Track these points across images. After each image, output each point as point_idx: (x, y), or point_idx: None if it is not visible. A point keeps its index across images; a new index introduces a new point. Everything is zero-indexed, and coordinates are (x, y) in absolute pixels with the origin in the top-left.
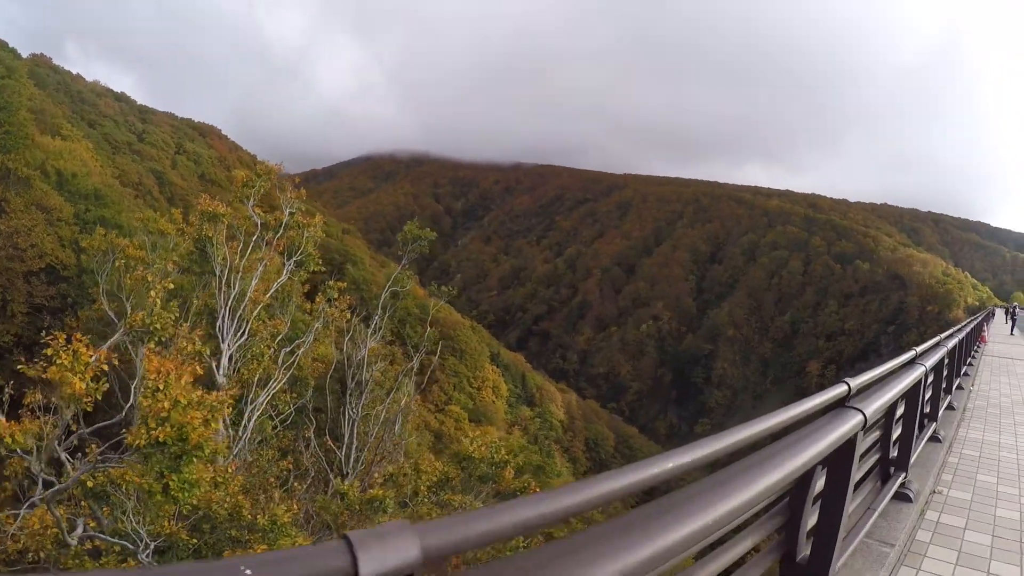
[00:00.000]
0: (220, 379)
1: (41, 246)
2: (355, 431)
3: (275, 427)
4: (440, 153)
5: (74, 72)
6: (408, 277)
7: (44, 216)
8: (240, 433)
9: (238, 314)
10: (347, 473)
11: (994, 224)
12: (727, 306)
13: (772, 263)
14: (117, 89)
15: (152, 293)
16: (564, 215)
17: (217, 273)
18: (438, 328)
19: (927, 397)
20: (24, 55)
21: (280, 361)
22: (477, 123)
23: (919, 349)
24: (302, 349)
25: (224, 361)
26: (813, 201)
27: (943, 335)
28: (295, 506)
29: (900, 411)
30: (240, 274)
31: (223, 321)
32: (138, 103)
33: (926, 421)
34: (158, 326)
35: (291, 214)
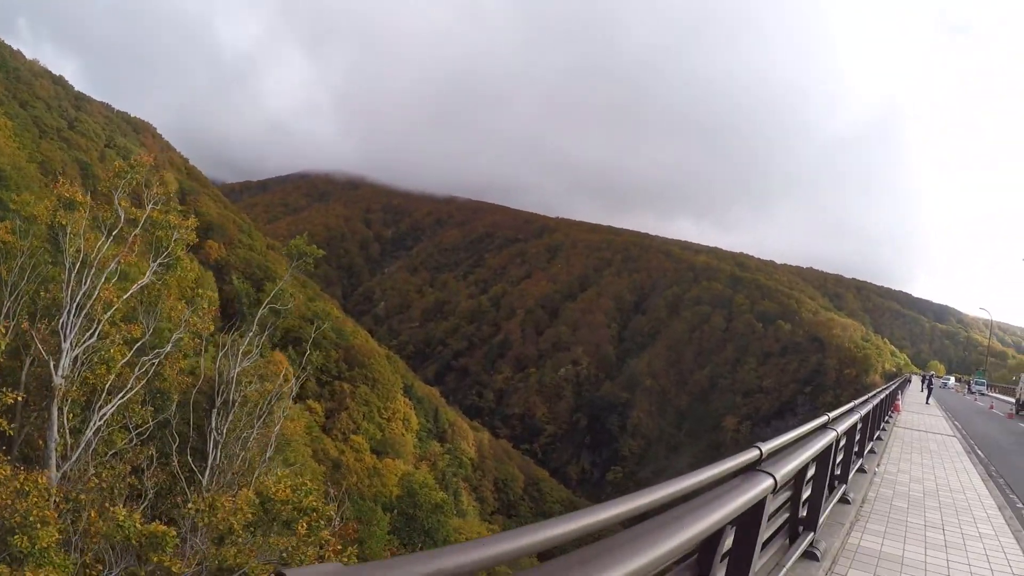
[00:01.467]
0: (57, 380)
1: None
2: (218, 453)
3: (130, 440)
4: (376, 179)
5: (16, 48)
6: (290, 295)
7: None
8: (78, 441)
9: (84, 312)
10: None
11: (915, 294)
12: (647, 356)
13: (695, 317)
14: (60, 72)
15: None
16: (493, 252)
17: (67, 265)
18: (352, 355)
19: (838, 460)
20: None
21: (139, 370)
22: (416, 152)
23: (832, 415)
24: (158, 359)
25: (64, 361)
26: (741, 260)
27: (857, 401)
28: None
29: (811, 473)
30: (93, 270)
31: (67, 317)
32: (76, 89)
33: (836, 483)
34: None
35: (153, 207)
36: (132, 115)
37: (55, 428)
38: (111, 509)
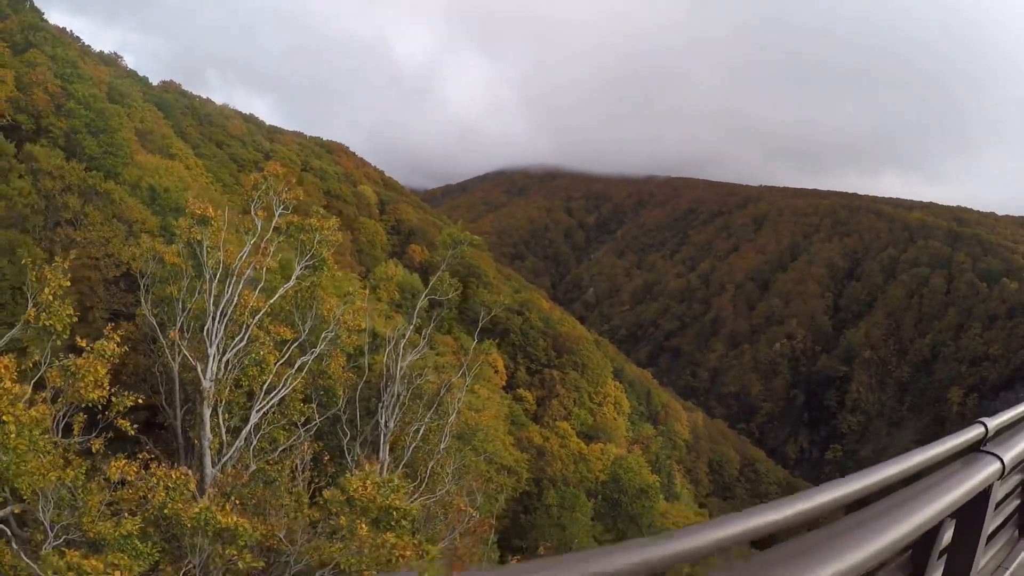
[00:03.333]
0: (205, 383)
1: (118, 256)
2: (386, 447)
3: (297, 437)
4: (572, 167)
5: (209, 97)
6: (451, 286)
7: (125, 228)
8: (233, 440)
9: (227, 317)
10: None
11: None
12: (864, 326)
13: (912, 281)
14: (251, 111)
15: (47, 290)
16: (698, 229)
17: (207, 277)
18: (560, 342)
19: None
20: (156, 83)
21: (297, 368)
22: (608, 137)
23: None
24: (311, 356)
25: (211, 366)
26: (958, 214)
27: None
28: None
29: None
30: (235, 278)
31: (212, 324)
32: (267, 124)
33: None
34: (58, 326)
35: (281, 214)
36: (325, 139)
37: (207, 428)
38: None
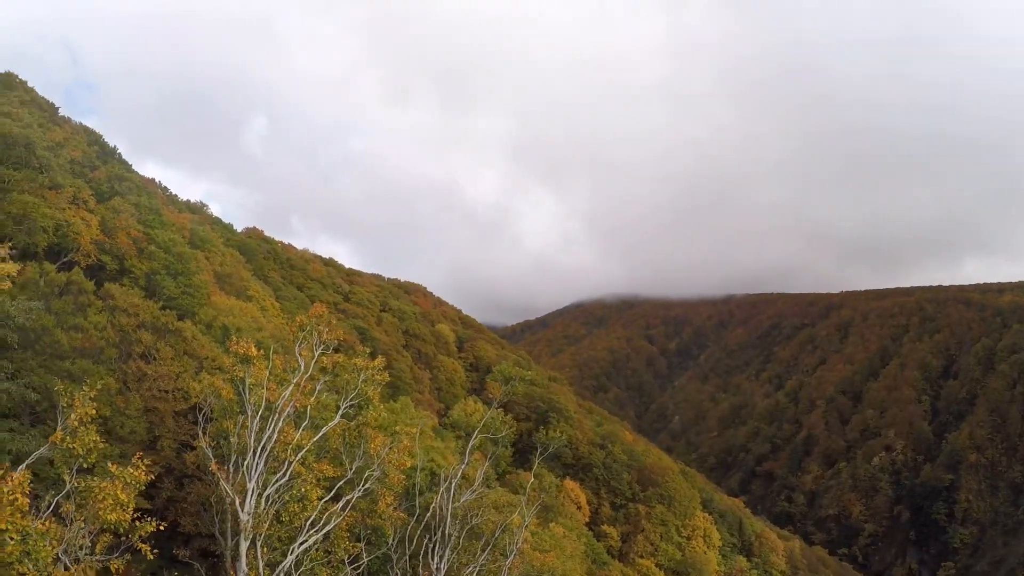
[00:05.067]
0: (244, 517)
1: (186, 389)
2: None
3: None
4: (649, 294)
5: (291, 242)
6: (503, 422)
7: (196, 364)
8: (270, 573)
9: (267, 453)
10: None
11: None
12: (967, 427)
13: (1013, 369)
14: (335, 255)
15: (72, 416)
16: (782, 344)
17: (249, 413)
18: (645, 475)
19: None
20: (240, 230)
21: (342, 505)
22: (681, 260)
23: None
24: (356, 494)
25: (250, 500)
26: None
27: None
28: None
29: None
30: (278, 415)
31: (252, 459)
32: (346, 267)
33: None
34: (80, 450)
35: (321, 354)
36: (402, 280)
37: (243, 560)
38: None
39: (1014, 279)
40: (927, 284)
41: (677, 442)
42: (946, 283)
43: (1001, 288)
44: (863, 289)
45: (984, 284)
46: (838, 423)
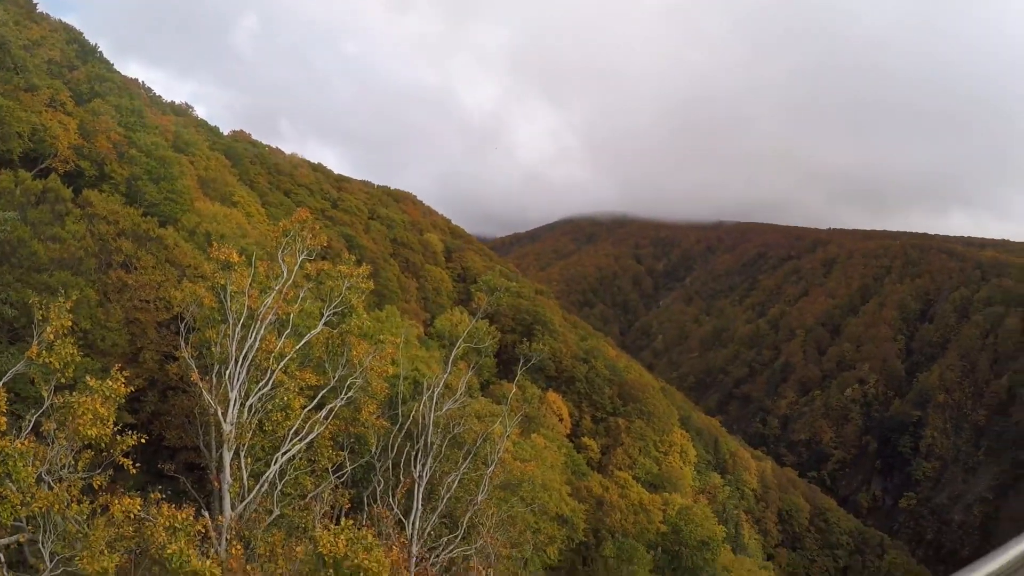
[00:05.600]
0: (226, 427)
1: (169, 299)
2: (419, 496)
3: (330, 484)
4: (640, 214)
5: (279, 147)
6: (487, 332)
7: (178, 272)
8: (255, 484)
9: (249, 362)
10: (411, 539)
11: None
12: (938, 369)
13: (987, 321)
14: (324, 161)
15: (48, 329)
16: (767, 273)
17: (230, 321)
18: (627, 390)
19: None
20: (227, 133)
21: (325, 414)
22: (674, 183)
23: None
24: (339, 402)
25: (232, 410)
26: None
27: None
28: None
29: None
30: (260, 323)
31: (234, 368)
32: (335, 173)
33: None
34: (57, 364)
35: (305, 260)
36: (392, 187)
37: (227, 471)
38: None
39: (997, 236)
40: (913, 231)
41: (659, 360)
42: (932, 232)
43: (983, 243)
44: (851, 228)
45: (968, 237)
46: (815, 353)
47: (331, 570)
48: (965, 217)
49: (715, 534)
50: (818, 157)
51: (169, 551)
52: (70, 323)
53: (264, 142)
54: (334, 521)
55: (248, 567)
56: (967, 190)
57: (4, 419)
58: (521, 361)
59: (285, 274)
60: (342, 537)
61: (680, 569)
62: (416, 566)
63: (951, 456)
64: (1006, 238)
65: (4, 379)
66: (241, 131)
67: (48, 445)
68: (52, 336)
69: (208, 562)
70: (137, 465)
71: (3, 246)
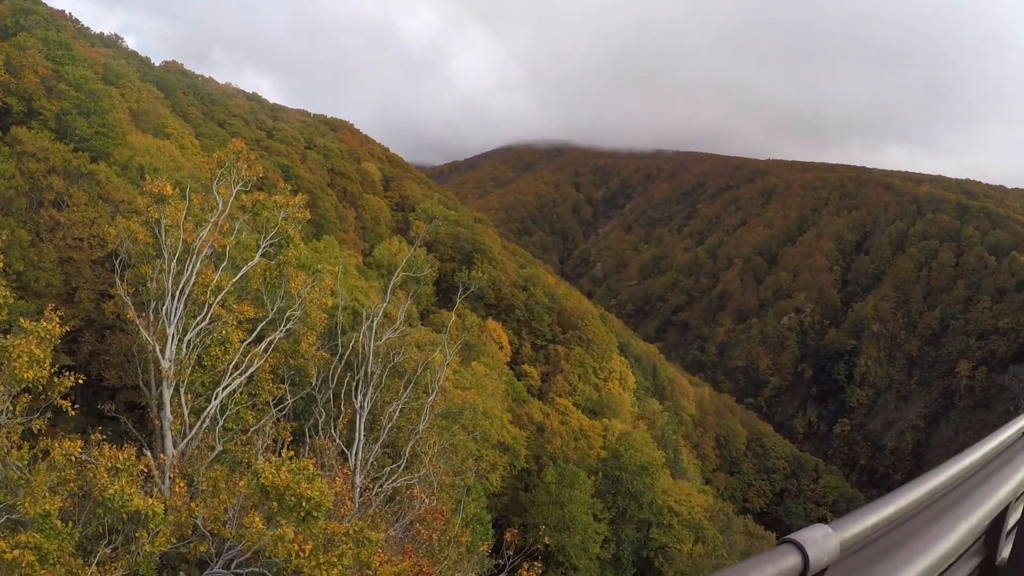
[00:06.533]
0: (165, 364)
1: (103, 236)
2: (360, 426)
3: (272, 417)
4: (580, 142)
5: (212, 77)
6: (426, 260)
7: (112, 208)
8: (196, 420)
9: (187, 296)
10: (355, 469)
11: None
12: (872, 299)
13: (921, 254)
14: (260, 91)
15: None
16: (706, 202)
17: (165, 256)
18: (566, 318)
19: None
20: (159, 64)
21: (264, 347)
22: (615, 112)
23: None
24: (277, 335)
25: (170, 346)
26: (967, 187)
27: None
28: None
29: None
30: (197, 257)
31: (171, 303)
32: (271, 103)
33: None
34: None
35: (240, 191)
36: (329, 117)
37: (167, 409)
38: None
39: (932, 172)
40: (852, 164)
41: (598, 288)
42: (869, 166)
43: (920, 179)
44: (789, 160)
45: (905, 172)
46: (753, 282)
47: (274, 502)
48: (901, 152)
49: (654, 459)
50: (759, 89)
51: (110, 492)
52: (1, 265)
53: (197, 72)
54: (276, 454)
55: (192, 504)
56: (903, 126)
57: None
58: (460, 289)
59: (220, 206)
60: (284, 468)
61: (620, 494)
62: (359, 496)
63: (884, 384)
64: (941, 174)
65: None
66: (173, 62)
67: None
68: None
69: (150, 500)
70: (76, 407)
71: None
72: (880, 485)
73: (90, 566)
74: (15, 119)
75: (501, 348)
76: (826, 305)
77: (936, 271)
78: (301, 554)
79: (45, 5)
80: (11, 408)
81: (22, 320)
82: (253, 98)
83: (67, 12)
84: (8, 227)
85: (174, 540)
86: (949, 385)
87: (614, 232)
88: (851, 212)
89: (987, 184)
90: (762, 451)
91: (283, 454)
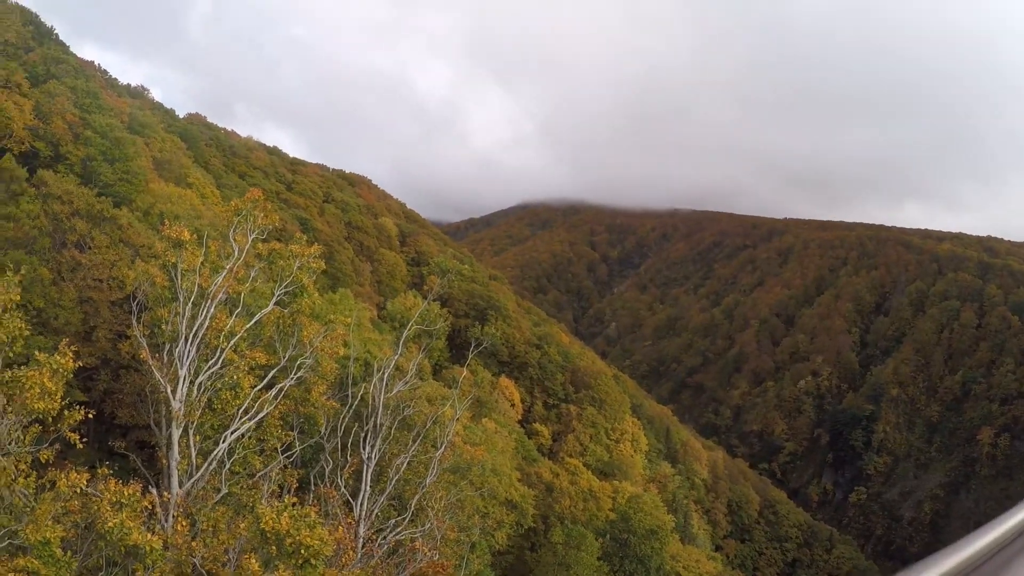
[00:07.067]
0: (175, 405)
1: (122, 278)
2: (367, 477)
3: (279, 463)
4: (595, 200)
5: (234, 130)
6: (439, 314)
7: (132, 252)
8: (203, 461)
9: (198, 341)
10: (359, 519)
11: None
12: (892, 362)
13: (942, 315)
14: (276, 144)
15: None
16: (722, 262)
17: (181, 299)
18: (579, 377)
19: None
20: (183, 115)
21: (275, 394)
22: (629, 169)
23: None
24: (288, 382)
25: (181, 387)
26: (989, 244)
27: None
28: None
29: None
30: (212, 302)
31: (184, 346)
32: (290, 156)
33: None
34: (5, 337)
35: (256, 239)
36: (347, 171)
37: (175, 449)
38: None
39: (950, 228)
40: (870, 222)
41: (612, 348)
42: (887, 224)
43: (941, 236)
44: (807, 218)
45: (925, 230)
46: (769, 344)
47: (273, 546)
48: (919, 209)
49: (664, 523)
50: (769, 146)
51: (110, 524)
52: (18, 297)
53: (220, 125)
54: (281, 500)
55: (193, 543)
56: (920, 181)
57: None
58: (473, 344)
59: (236, 253)
60: (285, 514)
61: (628, 557)
62: (362, 547)
63: (903, 452)
64: (962, 231)
65: None
66: (197, 114)
67: None
68: (1, 310)
69: (149, 536)
70: (84, 440)
71: None
72: (896, 557)
73: None
74: (42, 163)
75: (513, 405)
76: (844, 368)
77: (958, 333)
78: None
79: (75, 56)
80: (21, 437)
81: (37, 353)
82: (273, 151)
83: (96, 63)
84: (31, 265)
85: None
86: (970, 453)
87: (629, 291)
88: (870, 272)
89: (1009, 241)
90: (775, 518)
91: (286, 500)
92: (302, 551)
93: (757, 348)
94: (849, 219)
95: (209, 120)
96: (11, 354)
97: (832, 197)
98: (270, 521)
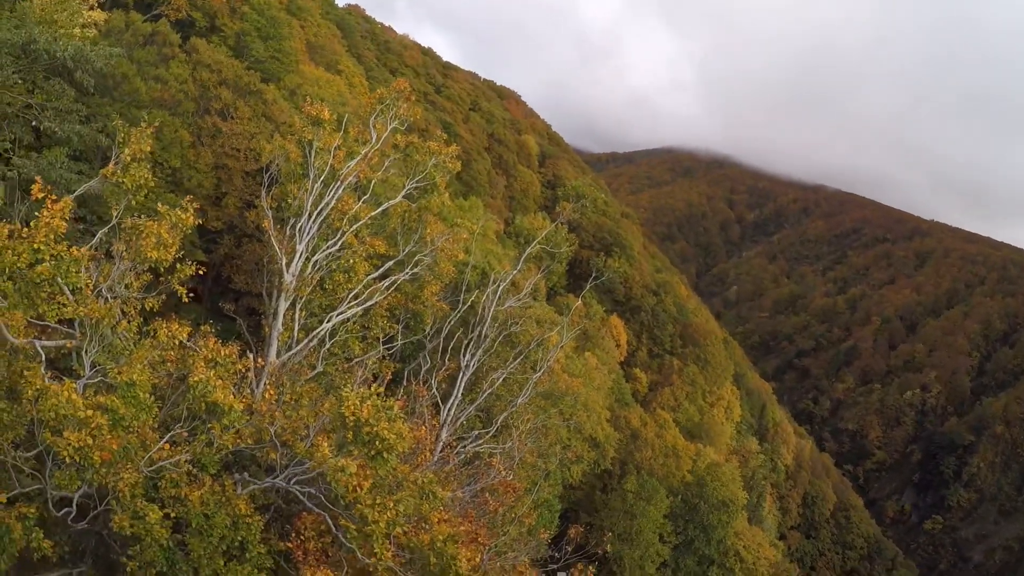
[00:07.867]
0: (288, 277)
1: (258, 151)
2: (461, 384)
3: (378, 353)
4: (741, 159)
5: (391, 26)
6: (564, 238)
7: (272, 127)
8: (305, 336)
9: (323, 218)
10: (443, 424)
11: None
12: (1005, 398)
13: None
14: (434, 47)
15: (127, 151)
16: (858, 250)
17: (311, 176)
18: (688, 332)
19: None
20: (342, 4)
21: (387, 286)
22: (782, 135)
23: None
24: (403, 276)
25: (296, 262)
26: None
27: None
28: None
29: None
30: (340, 183)
31: (306, 221)
32: (444, 60)
33: None
34: (129, 185)
35: (395, 129)
36: (498, 84)
37: (279, 320)
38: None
39: None
40: (1017, 245)
41: (728, 311)
42: None
43: None
44: (953, 225)
45: None
46: (886, 345)
47: (351, 432)
48: None
49: (737, 498)
50: (930, 140)
51: (194, 379)
52: (149, 147)
53: (378, 20)
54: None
55: (275, 412)
56: None
57: (65, 224)
58: (593, 274)
59: (373, 140)
60: (368, 403)
61: (693, 523)
62: (440, 451)
63: (991, 492)
64: None
65: (78, 192)
66: (356, 6)
67: (115, 265)
68: (129, 158)
69: (231, 396)
70: (191, 295)
71: (106, 79)
72: None
73: (162, 441)
74: (197, 32)
75: (618, 346)
76: (955, 390)
77: None
78: (359, 489)
79: None
80: (132, 283)
81: (159, 205)
82: (427, 52)
83: None
84: (173, 126)
85: (250, 442)
86: None
87: (757, 258)
88: (1005, 298)
89: None
90: (845, 523)
91: (373, 388)
92: (377, 443)
93: (872, 346)
94: (998, 237)
95: (368, 13)
96: (135, 203)
97: (986, 210)
98: (351, 407)
